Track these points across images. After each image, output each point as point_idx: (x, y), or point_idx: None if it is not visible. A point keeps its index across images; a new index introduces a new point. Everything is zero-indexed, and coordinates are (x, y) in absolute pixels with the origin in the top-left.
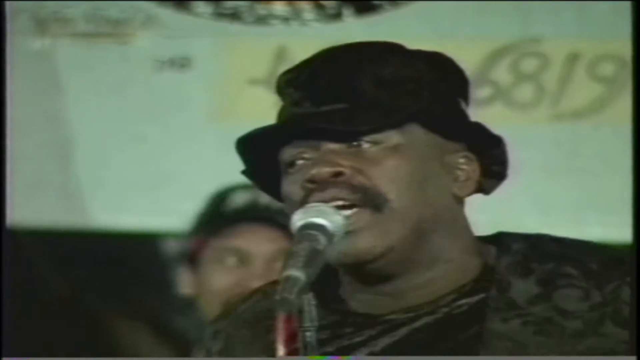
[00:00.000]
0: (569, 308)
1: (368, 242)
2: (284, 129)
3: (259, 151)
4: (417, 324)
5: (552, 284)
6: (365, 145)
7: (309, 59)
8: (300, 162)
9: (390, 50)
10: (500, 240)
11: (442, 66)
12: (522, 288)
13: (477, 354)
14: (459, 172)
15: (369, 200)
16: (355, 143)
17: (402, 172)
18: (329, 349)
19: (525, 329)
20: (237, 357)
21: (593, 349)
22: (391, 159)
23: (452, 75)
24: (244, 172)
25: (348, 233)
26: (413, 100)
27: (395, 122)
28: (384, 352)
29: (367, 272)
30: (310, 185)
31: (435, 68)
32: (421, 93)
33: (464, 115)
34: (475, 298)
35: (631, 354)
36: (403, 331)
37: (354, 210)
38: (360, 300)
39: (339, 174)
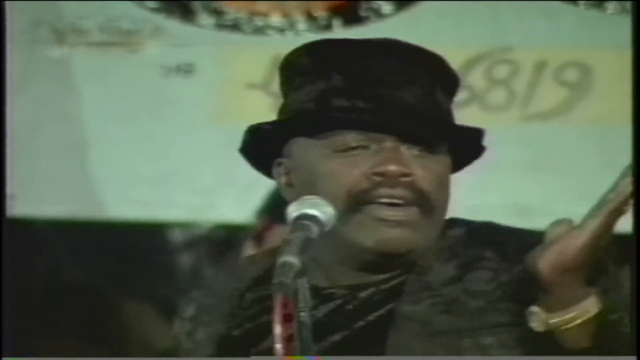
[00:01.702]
0: (476, 288)
1: (411, 239)
2: (340, 117)
3: (293, 132)
4: (346, 300)
5: (468, 267)
6: (425, 152)
7: (345, 45)
8: (358, 150)
9: (441, 60)
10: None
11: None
12: (440, 271)
13: (385, 333)
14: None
15: (422, 203)
16: (419, 148)
17: (445, 181)
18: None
19: (432, 309)
20: (204, 322)
21: (491, 323)
22: (439, 168)
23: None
24: (241, 150)
25: (394, 224)
26: (450, 113)
27: (448, 135)
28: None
29: (380, 261)
30: (377, 178)
31: (441, 73)
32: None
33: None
34: (399, 280)
35: (631, 354)
36: (330, 305)
37: (410, 208)
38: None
39: (407, 175)
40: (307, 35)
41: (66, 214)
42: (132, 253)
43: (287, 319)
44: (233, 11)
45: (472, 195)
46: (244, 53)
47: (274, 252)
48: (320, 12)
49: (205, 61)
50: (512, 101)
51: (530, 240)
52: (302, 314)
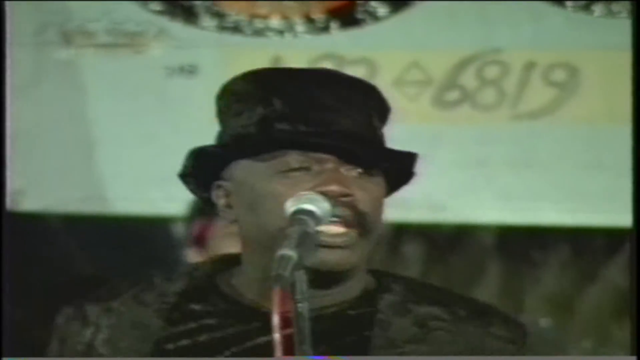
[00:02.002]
0: (440, 350)
1: (349, 258)
2: (277, 140)
3: (232, 156)
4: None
5: (427, 326)
6: (363, 174)
7: (285, 73)
8: (300, 171)
9: (375, 89)
10: (380, 278)
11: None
12: (400, 327)
13: None
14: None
15: (360, 224)
16: (360, 170)
17: (381, 203)
18: (219, 334)
19: None
20: (126, 335)
21: None
22: (376, 191)
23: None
24: (180, 176)
25: (334, 247)
26: (383, 139)
27: (384, 158)
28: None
29: (317, 278)
30: None
31: (376, 101)
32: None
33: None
34: (354, 312)
35: (631, 354)
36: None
37: (349, 230)
38: (261, 295)
39: (347, 195)
40: (306, 37)
41: (74, 209)
42: (137, 246)
43: (284, 309)
44: (234, 14)
45: (463, 191)
46: (245, 54)
47: (211, 262)
48: (318, 14)
49: (208, 62)
50: (502, 101)
51: (475, 304)
52: (300, 305)
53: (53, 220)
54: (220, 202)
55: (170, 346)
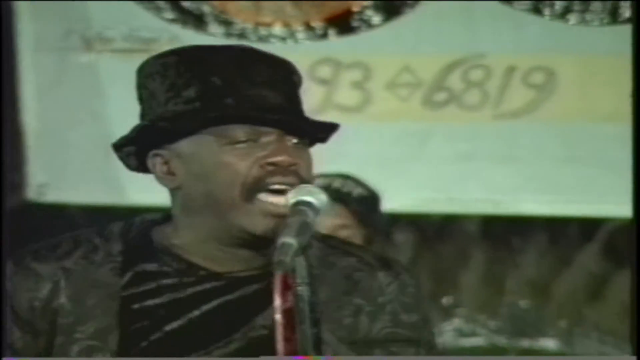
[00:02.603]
0: (368, 298)
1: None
2: (227, 112)
3: (173, 130)
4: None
5: (352, 278)
6: (300, 144)
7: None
8: (247, 143)
9: (291, 64)
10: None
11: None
12: (334, 281)
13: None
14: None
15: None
16: (296, 140)
17: (312, 169)
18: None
19: (343, 315)
20: (89, 294)
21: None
22: (309, 158)
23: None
24: (116, 145)
25: (282, 216)
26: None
27: (313, 128)
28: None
29: (257, 241)
30: (270, 168)
31: (296, 75)
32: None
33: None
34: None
35: (632, 354)
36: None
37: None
38: (211, 258)
39: (294, 164)
40: (306, 43)
41: (92, 200)
42: None
43: (285, 291)
44: (240, 22)
45: (450, 183)
46: None
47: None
48: (317, 22)
49: None
50: (486, 101)
51: (379, 255)
52: (300, 288)
53: (73, 211)
54: (160, 169)
55: (136, 306)
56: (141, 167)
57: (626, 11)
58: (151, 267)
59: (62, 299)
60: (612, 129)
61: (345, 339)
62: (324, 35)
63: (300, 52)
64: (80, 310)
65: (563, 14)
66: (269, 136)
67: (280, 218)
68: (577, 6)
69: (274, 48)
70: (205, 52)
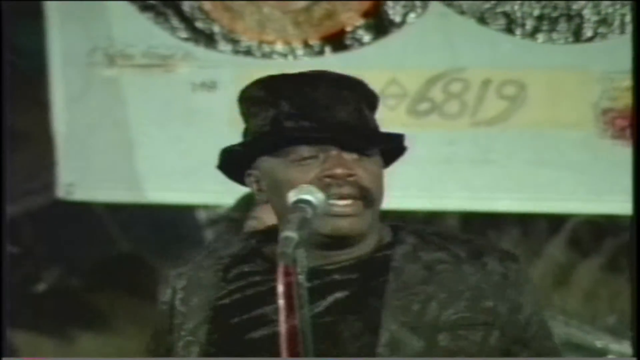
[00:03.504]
0: (444, 288)
1: (357, 224)
2: (291, 135)
3: (260, 151)
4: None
5: (433, 269)
6: (362, 156)
7: (284, 79)
8: (310, 160)
9: (363, 83)
10: (397, 231)
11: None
12: (412, 272)
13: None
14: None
15: (364, 197)
16: (357, 154)
17: (380, 177)
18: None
19: (412, 302)
20: (195, 294)
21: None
22: (375, 168)
23: (373, 97)
24: (219, 167)
25: (345, 215)
26: (375, 123)
27: (377, 141)
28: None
29: (336, 241)
30: (328, 180)
31: (364, 94)
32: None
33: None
34: (370, 263)
35: (632, 355)
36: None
37: (355, 201)
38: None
39: (351, 175)
40: (304, 59)
41: (116, 198)
42: (168, 229)
43: (287, 279)
44: (246, 40)
45: (432, 183)
46: (255, 73)
47: (259, 232)
48: (314, 41)
49: (225, 79)
50: (464, 111)
51: (475, 248)
52: (300, 277)
53: (98, 208)
54: (253, 187)
55: (226, 301)
56: (239, 180)
57: (588, 31)
58: (247, 268)
59: (177, 302)
60: (576, 135)
61: (408, 324)
62: (321, 52)
63: (299, 67)
64: (187, 310)
65: (533, 33)
66: (329, 152)
67: (347, 217)
68: (545, 26)
69: (275, 63)
70: (283, 79)
